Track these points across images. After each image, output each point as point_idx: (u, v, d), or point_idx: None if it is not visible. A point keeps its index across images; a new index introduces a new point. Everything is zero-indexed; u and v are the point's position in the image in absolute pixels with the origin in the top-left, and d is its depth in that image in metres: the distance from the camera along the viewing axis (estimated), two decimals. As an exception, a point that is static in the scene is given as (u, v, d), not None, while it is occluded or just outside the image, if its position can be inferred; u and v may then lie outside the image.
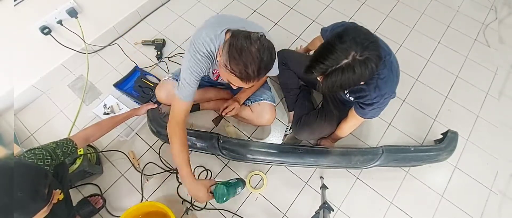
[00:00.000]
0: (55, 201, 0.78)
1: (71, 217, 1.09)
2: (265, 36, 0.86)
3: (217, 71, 1.13)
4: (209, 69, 1.07)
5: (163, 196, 1.35)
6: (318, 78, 0.85)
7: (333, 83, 0.80)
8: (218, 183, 1.06)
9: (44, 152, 0.88)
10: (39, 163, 0.85)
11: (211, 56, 1.00)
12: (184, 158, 1.04)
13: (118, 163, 1.41)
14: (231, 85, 0.96)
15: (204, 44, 0.97)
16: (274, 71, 1.19)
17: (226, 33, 0.97)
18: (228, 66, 0.84)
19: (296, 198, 1.35)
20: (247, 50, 0.82)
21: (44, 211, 0.74)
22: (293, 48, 1.76)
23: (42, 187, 0.72)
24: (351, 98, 1.08)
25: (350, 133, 1.38)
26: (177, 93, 1.04)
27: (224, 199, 1.03)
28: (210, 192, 1.05)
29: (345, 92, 1.10)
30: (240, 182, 1.17)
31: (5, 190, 0.66)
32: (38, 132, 1.49)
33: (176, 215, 1.29)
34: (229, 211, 1.32)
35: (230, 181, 1.12)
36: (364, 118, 1.10)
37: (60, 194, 0.91)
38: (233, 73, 0.85)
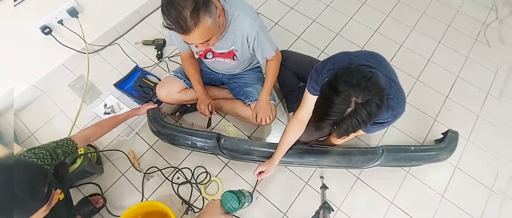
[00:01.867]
0: (55, 201, 0.78)
1: (72, 216, 1.09)
2: None
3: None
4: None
5: (163, 196, 1.35)
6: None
7: (347, 128, 0.77)
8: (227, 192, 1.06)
9: (44, 151, 0.88)
10: (39, 162, 0.85)
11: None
12: (195, 76, 1.30)
13: (119, 162, 1.41)
14: (223, 55, 1.00)
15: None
16: (271, 42, 1.16)
17: None
18: (164, 22, 0.86)
19: (296, 198, 1.35)
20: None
21: (44, 210, 0.74)
22: (293, 48, 1.76)
23: (41, 186, 0.72)
24: None
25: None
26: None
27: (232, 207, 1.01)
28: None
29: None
30: (250, 196, 1.13)
31: (5, 188, 0.66)
32: (38, 131, 1.49)
33: (176, 215, 1.29)
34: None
35: (241, 191, 1.10)
36: (367, 133, 1.07)
37: (60, 194, 0.92)
38: (169, 27, 0.86)
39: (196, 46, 1.01)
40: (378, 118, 0.91)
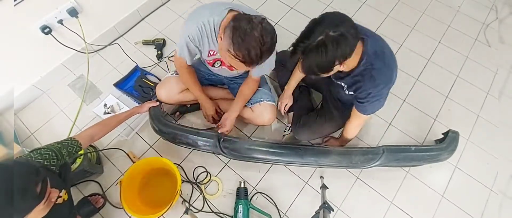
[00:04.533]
0: (54, 199, 0.77)
1: (72, 216, 1.09)
2: (266, 19, 0.89)
3: (214, 53, 1.14)
4: (201, 45, 1.08)
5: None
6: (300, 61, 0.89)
7: (310, 62, 0.85)
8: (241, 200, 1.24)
9: (50, 152, 0.88)
10: (45, 163, 0.85)
11: (204, 27, 1.01)
12: (196, 86, 1.29)
13: (119, 162, 1.41)
14: (233, 68, 0.98)
15: (201, 14, 1.01)
16: (271, 65, 1.19)
17: (228, 11, 0.99)
18: (231, 50, 0.86)
19: (296, 198, 1.35)
20: (250, 34, 0.83)
21: (42, 208, 0.72)
22: (293, 48, 1.76)
23: (32, 184, 0.70)
24: (351, 93, 1.08)
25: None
26: (178, 53, 1.15)
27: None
28: None
29: (344, 88, 1.10)
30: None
31: None
32: (38, 131, 1.49)
33: (176, 215, 1.30)
34: (228, 215, 1.32)
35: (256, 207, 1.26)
36: (365, 115, 1.10)
37: (65, 194, 0.91)
38: (236, 58, 0.87)
39: (216, 61, 1.03)
40: (360, 86, 0.99)
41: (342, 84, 1.09)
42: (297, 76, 1.34)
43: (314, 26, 0.82)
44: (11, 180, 0.66)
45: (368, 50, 0.92)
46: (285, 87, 1.38)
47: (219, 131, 1.30)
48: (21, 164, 0.74)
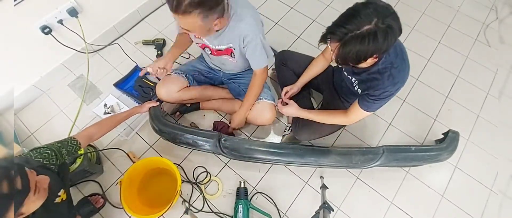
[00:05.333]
0: (46, 185, 0.74)
1: (72, 216, 1.09)
2: None
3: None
4: None
5: (163, 196, 1.35)
6: (330, 46, 0.83)
7: (350, 50, 0.77)
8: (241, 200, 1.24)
9: (49, 151, 0.88)
10: (44, 162, 0.85)
11: None
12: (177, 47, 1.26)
13: (119, 162, 1.41)
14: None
15: None
16: (262, 54, 1.14)
17: None
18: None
19: (296, 198, 1.35)
20: None
21: (34, 200, 0.70)
22: (293, 48, 1.76)
23: (10, 184, 0.65)
24: (359, 91, 1.06)
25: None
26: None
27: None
28: None
29: (354, 84, 1.08)
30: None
31: None
32: (38, 131, 1.49)
33: (176, 215, 1.30)
34: (228, 215, 1.32)
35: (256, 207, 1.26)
36: (368, 112, 1.06)
37: (64, 193, 0.91)
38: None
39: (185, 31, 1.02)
40: (376, 84, 0.95)
41: (353, 80, 1.06)
42: (315, 69, 1.30)
43: (358, 12, 0.75)
44: None
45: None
46: (299, 82, 1.34)
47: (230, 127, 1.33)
48: None
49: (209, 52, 1.23)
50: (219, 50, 1.18)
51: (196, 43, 1.23)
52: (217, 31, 1.04)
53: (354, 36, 0.75)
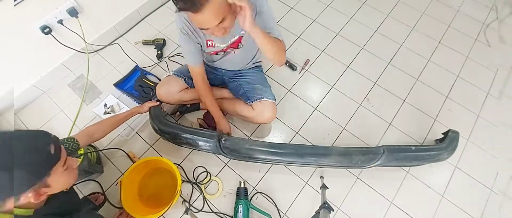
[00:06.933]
0: (75, 167, 0.79)
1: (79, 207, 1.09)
2: None
3: (213, 43, 1.16)
4: (198, 37, 1.14)
5: (163, 196, 1.35)
6: None
7: None
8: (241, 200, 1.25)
9: None
10: None
11: (187, 24, 1.09)
12: (214, 106, 1.35)
13: (119, 162, 1.41)
14: (212, 34, 0.96)
15: (177, 22, 1.10)
16: (268, 12, 1.06)
17: None
18: (177, 6, 0.84)
19: (296, 198, 1.35)
20: None
21: (61, 172, 0.73)
22: (293, 48, 1.76)
23: (43, 144, 0.70)
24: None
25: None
26: (187, 62, 1.23)
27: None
28: None
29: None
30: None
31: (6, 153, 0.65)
32: (38, 131, 1.49)
33: (176, 215, 1.30)
34: (228, 215, 1.32)
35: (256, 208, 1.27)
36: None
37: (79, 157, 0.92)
38: (184, 10, 0.84)
39: (212, 33, 0.95)
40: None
41: None
42: None
43: None
44: (21, 143, 0.67)
45: None
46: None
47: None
48: (29, 130, 0.75)
49: (221, 56, 1.23)
50: (231, 44, 1.17)
51: (208, 52, 1.22)
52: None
53: None
